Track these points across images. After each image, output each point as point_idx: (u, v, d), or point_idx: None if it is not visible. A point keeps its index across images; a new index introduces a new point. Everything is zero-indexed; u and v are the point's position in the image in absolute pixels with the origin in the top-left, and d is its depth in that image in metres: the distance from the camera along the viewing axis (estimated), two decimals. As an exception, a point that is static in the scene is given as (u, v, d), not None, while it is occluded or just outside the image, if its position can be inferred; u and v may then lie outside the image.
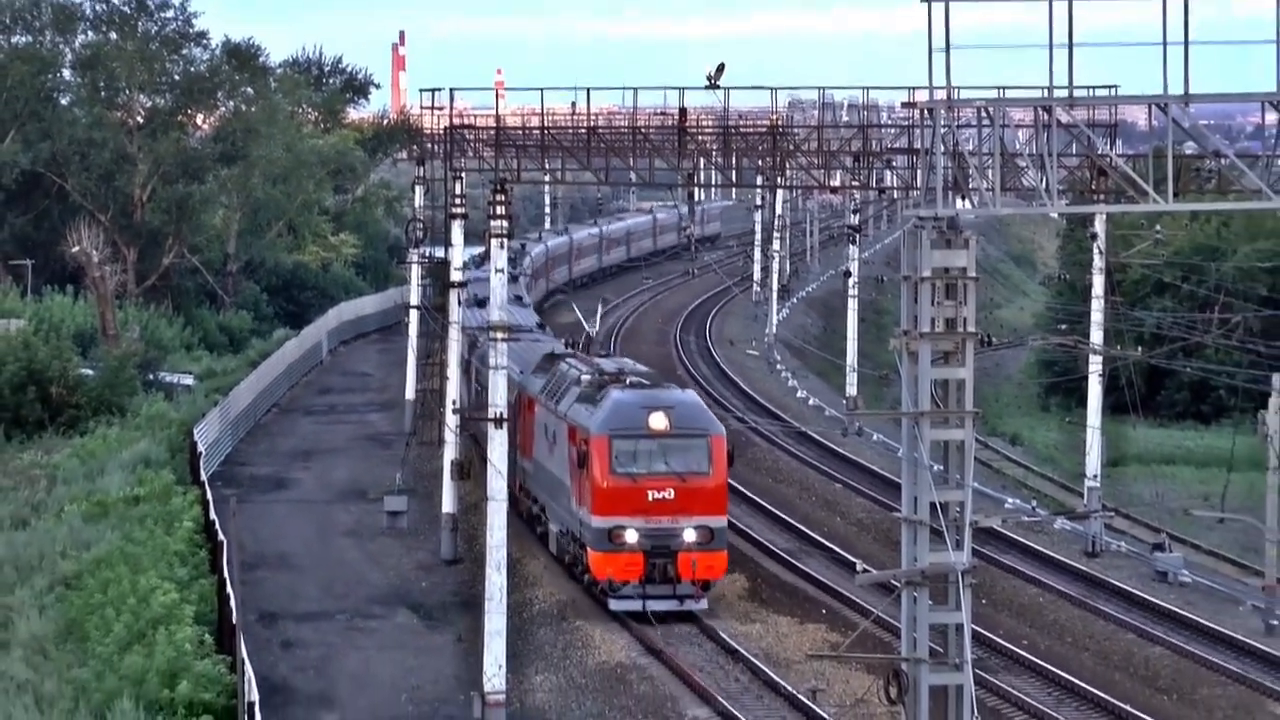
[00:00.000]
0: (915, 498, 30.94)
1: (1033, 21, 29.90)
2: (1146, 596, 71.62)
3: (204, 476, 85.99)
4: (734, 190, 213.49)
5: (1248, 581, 75.96)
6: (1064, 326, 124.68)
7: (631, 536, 66.27)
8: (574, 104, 75.94)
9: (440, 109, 78.58)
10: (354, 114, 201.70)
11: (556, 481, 73.23)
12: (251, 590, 69.12)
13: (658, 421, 66.98)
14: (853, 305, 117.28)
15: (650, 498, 66.57)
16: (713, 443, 67.76)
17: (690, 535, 66.44)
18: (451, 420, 76.27)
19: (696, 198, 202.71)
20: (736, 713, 55.67)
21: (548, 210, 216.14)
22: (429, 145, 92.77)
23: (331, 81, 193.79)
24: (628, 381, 71.01)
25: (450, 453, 76.39)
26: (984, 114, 31.25)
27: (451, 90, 76.40)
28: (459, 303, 77.64)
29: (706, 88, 70.79)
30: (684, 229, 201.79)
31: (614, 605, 67.09)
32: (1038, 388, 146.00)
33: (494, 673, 52.78)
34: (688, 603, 66.82)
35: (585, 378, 72.76)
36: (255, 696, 50.06)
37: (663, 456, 67.55)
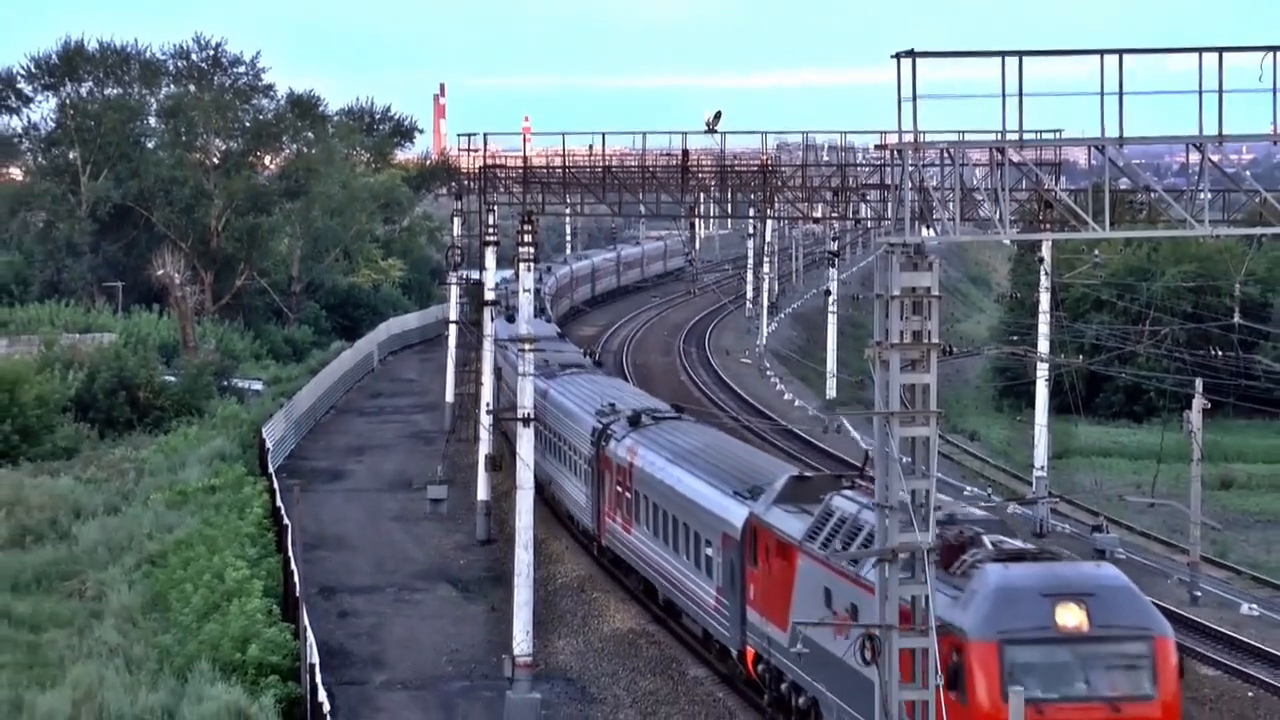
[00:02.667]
0: (887, 486, 30.93)
1: (988, 74, 29.93)
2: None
3: (271, 469, 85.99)
4: (730, 220, 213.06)
5: (1174, 558, 75.89)
6: (1015, 338, 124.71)
7: None
8: (591, 146, 75.82)
9: (475, 151, 78.64)
10: (401, 155, 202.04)
11: (860, 682, 41.15)
12: (312, 567, 69.09)
13: (1070, 617, 38.48)
14: (832, 320, 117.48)
15: None
16: (1157, 648, 39.07)
17: None
18: (485, 419, 76.32)
19: (697, 228, 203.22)
20: (724, 670, 55.52)
21: (568, 238, 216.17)
22: (466, 182, 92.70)
23: (381, 127, 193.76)
24: (996, 545, 41.11)
25: (484, 448, 76.44)
26: (945, 154, 31.24)
27: (485, 135, 76.60)
28: (491, 318, 77.73)
29: (706, 132, 70.76)
30: (687, 255, 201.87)
31: None
32: (992, 391, 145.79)
33: (522, 638, 52.73)
34: None
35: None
36: (316, 659, 50.05)
37: (1081, 672, 38.88)
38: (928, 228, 30.98)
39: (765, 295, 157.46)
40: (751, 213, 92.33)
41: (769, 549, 49.54)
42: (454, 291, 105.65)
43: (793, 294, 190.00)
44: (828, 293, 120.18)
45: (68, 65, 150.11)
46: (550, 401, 77.09)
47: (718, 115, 73.94)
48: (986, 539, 40.77)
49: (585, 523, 72.07)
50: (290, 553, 63.57)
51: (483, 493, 77.30)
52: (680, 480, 58.41)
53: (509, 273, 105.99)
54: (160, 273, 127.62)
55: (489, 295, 76.26)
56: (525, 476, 54.63)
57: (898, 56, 29.75)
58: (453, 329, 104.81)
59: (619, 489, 61.93)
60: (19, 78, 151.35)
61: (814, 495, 49.13)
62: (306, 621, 54.62)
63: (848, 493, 46.95)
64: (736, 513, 52.13)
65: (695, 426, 69.51)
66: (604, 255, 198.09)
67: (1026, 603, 38.19)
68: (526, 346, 55.84)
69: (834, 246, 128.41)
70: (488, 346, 78.97)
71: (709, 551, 54.39)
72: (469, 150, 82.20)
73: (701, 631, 57.10)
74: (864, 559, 38.70)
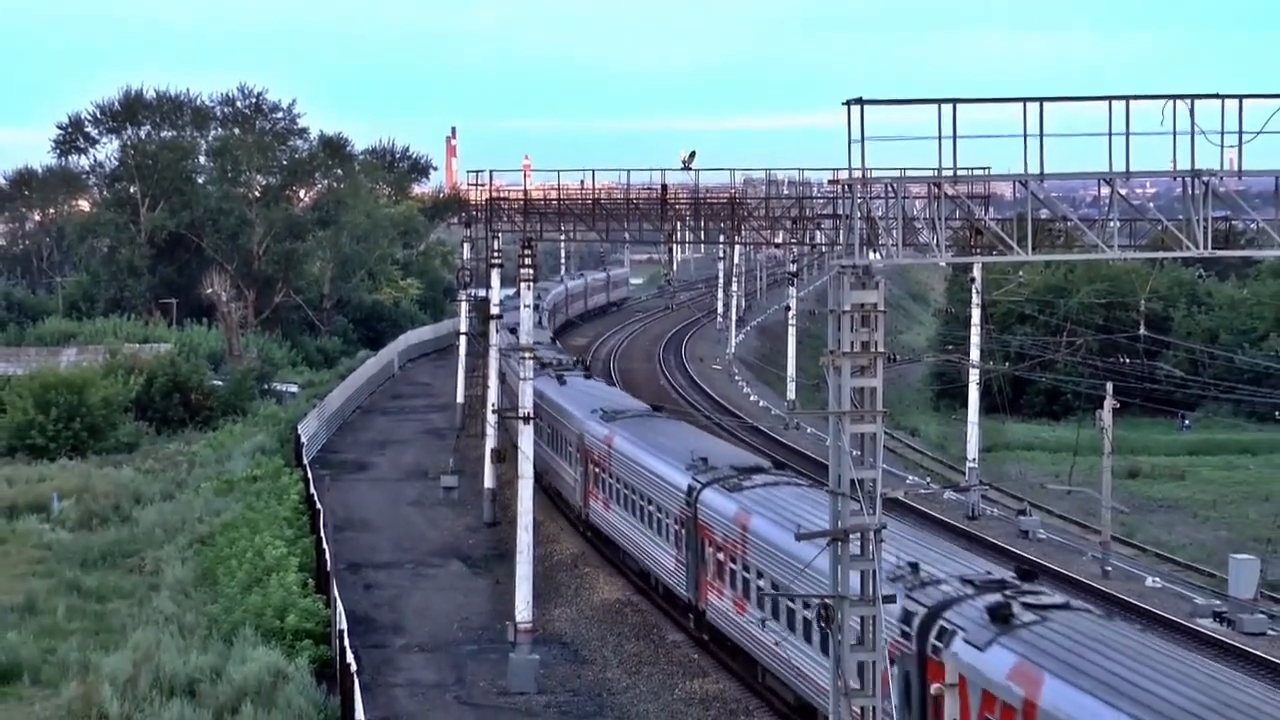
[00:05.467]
0: (839, 475, 30.95)
1: (926, 119, 29.99)
2: (1013, 549, 71.55)
3: (305, 461, 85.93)
4: (703, 246, 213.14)
5: (1088, 538, 75.97)
6: (950, 347, 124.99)
7: None
8: (583, 181, 75.72)
9: (483, 185, 78.54)
10: (417, 189, 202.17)
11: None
12: (341, 546, 69.03)
13: None
14: (792, 332, 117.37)
15: None
16: None
17: None
18: (491, 418, 76.33)
19: (674, 253, 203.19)
20: (701, 635, 55.57)
21: (563, 261, 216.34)
22: (474, 213, 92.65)
23: (401, 165, 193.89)
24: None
25: (490, 442, 76.43)
26: (889, 189, 31.26)
27: (491, 172, 76.52)
28: (496, 330, 77.70)
29: (682, 169, 71.07)
30: (665, 277, 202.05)
31: None
32: (930, 393, 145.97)
33: (523, 607, 52.68)
34: None
35: None
36: (344, 626, 50.01)
37: None
38: (874, 252, 30.99)
39: (734, 310, 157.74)
40: (721, 239, 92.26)
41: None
42: (464, 307, 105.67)
43: (758, 309, 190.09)
44: (788, 308, 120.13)
45: (128, 111, 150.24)
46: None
47: (692, 154, 74.20)
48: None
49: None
50: (322, 533, 63.60)
51: (489, 481, 77.29)
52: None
53: (511, 291, 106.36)
54: (209, 291, 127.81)
55: (494, 310, 76.29)
56: (526, 468, 54.59)
57: (848, 104, 29.79)
58: (463, 339, 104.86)
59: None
60: (87, 122, 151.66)
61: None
62: (336, 593, 54.66)
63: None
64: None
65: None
66: (594, 275, 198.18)
67: None
68: (527, 355, 55.83)
69: (793, 268, 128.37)
70: (493, 354, 78.95)
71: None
72: (477, 185, 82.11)
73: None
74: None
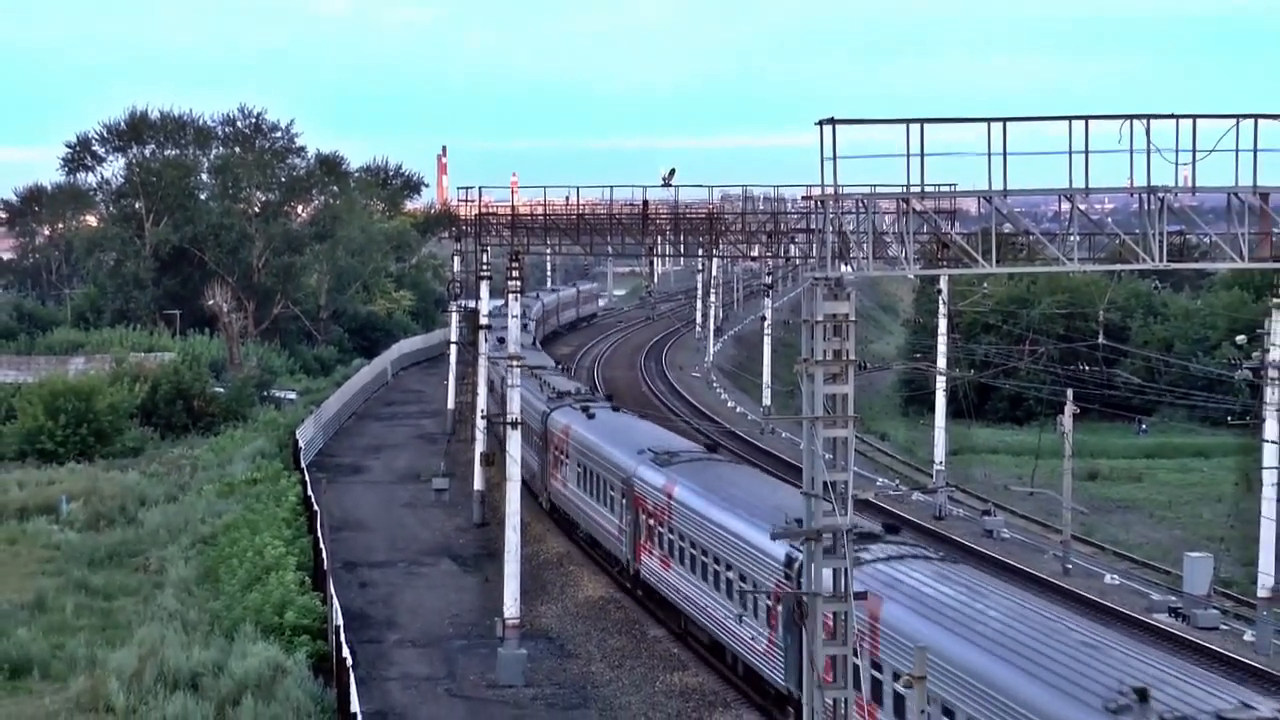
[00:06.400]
0: (813, 478, 30.95)
1: (895, 138, 30.03)
2: (978, 548, 71.68)
3: (303, 464, 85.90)
4: (682, 259, 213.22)
5: (1050, 537, 76.05)
6: (918, 355, 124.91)
7: None
8: (568, 198, 75.77)
9: (472, 201, 78.50)
10: (409, 205, 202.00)
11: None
12: (337, 546, 68.99)
13: None
14: (768, 340, 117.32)
15: None
16: None
17: None
18: (480, 424, 76.27)
19: (655, 266, 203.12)
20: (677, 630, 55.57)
21: (549, 273, 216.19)
22: (464, 227, 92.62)
23: (394, 182, 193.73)
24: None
25: (479, 447, 76.36)
26: (860, 204, 31.28)
27: (480, 188, 76.37)
28: (485, 340, 77.66)
29: (662, 185, 70.91)
30: (646, 288, 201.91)
31: None
32: (899, 399, 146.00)
33: (511, 604, 52.66)
34: None
35: None
36: (341, 621, 49.98)
37: None
38: (846, 265, 31.00)
39: (712, 320, 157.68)
40: (700, 252, 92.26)
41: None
42: (454, 318, 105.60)
43: (735, 319, 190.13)
44: (763, 318, 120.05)
45: (134, 131, 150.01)
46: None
47: (672, 172, 74.13)
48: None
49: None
50: (319, 534, 63.59)
51: (478, 484, 77.24)
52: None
53: (500, 302, 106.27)
54: (211, 302, 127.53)
55: (483, 321, 76.25)
56: (513, 471, 54.59)
57: (820, 124, 29.80)
58: (453, 348, 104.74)
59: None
60: (94, 141, 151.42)
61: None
62: (333, 591, 54.63)
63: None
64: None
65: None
66: (580, 287, 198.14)
67: None
68: (514, 363, 55.80)
69: (768, 280, 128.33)
70: (482, 363, 78.92)
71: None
72: (467, 201, 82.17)
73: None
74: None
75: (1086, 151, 30.44)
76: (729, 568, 48.86)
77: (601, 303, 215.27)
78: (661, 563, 56.23)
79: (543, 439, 75.75)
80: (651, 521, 57.41)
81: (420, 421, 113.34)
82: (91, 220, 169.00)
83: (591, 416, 71.60)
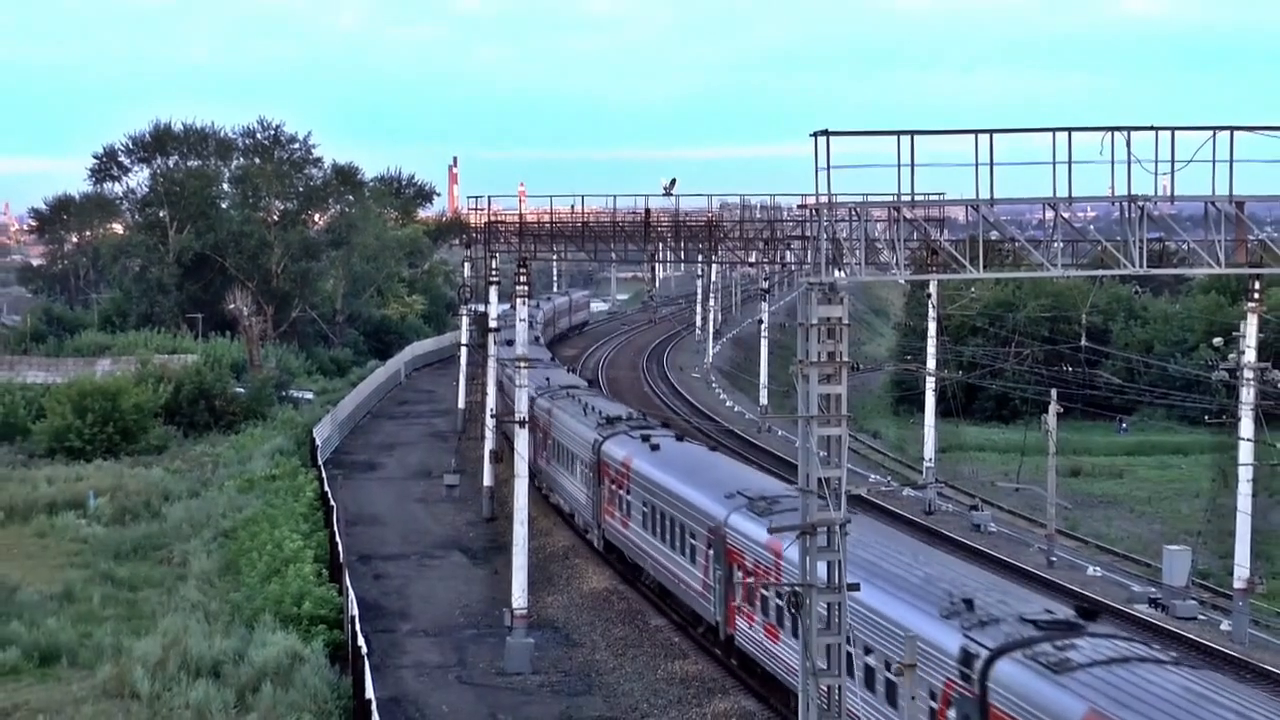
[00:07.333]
0: (808, 474, 30.91)
1: (886, 149, 29.99)
2: (966, 541, 71.62)
3: (320, 461, 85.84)
4: (683, 265, 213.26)
5: (1035, 531, 76.02)
6: (909, 357, 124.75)
7: None
8: (573, 206, 75.81)
9: (481, 210, 78.55)
10: (422, 213, 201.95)
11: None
12: (352, 539, 68.99)
13: None
14: (764, 343, 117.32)
15: None
16: None
17: None
18: (490, 422, 76.23)
19: (656, 271, 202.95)
20: (683, 621, 55.49)
21: (555, 278, 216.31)
22: (474, 234, 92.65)
23: (407, 191, 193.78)
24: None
25: (489, 444, 76.34)
26: (853, 212, 31.25)
27: (489, 197, 76.55)
28: (495, 342, 77.61)
29: (664, 194, 71.00)
30: (648, 293, 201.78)
31: None
32: (891, 399, 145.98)
33: (519, 594, 52.63)
34: None
35: None
36: (356, 612, 49.94)
37: None
38: (839, 270, 30.97)
39: (711, 324, 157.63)
40: (700, 258, 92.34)
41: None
42: (464, 321, 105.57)
43: (733, 323, 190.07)
44: (760, 322, 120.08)
45: (158, 142, 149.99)
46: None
47: (673, 181, 74.18)
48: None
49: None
50: (335, 528, 63.54)
51: (488, 480, 77.21)
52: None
53: (507, 306, 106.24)
54: (232, 306, 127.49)
55: (492, 324, 76.23)
56: (521, 467, 54.53)
57: (815, 135, 29.78)
58: (463, 350, 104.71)
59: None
60: (120, 153, 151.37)
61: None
62: (348, 582, 54.57)
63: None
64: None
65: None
66: (585, 291, 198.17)
67: None
68: (522, 365, 55.75)
69: (765, 285, 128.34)
70: (491, 364, 78.88)
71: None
72: (476, 209, 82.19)
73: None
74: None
75: (1070, 162, 30.41)
76: (867, 650, 36.89)
77: (596, 307, 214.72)
78: (769, 633, 44.86)
79: (594, 470, 65.69)
80: (749, 579, 46.37)
81: (432, 420, 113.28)
82: (118, 228, 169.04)
83: (656, 448, 61.15)
